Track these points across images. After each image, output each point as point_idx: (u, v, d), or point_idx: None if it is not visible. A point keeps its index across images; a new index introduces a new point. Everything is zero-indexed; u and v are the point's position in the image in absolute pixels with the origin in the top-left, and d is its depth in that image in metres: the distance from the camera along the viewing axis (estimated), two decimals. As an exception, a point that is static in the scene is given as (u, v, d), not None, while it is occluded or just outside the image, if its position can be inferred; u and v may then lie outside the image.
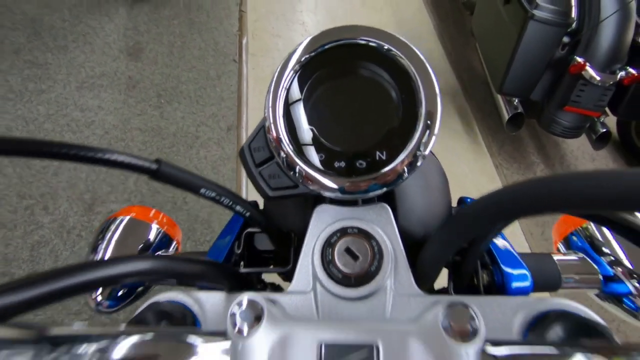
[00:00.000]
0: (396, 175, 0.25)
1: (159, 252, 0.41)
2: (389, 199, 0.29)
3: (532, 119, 1.92)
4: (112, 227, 0.40)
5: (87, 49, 1.73)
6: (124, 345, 0.17)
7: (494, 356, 0.17)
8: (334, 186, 0.26)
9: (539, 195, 0.16)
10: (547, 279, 0.31)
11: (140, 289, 0.39)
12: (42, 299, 0.17)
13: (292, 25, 2.24)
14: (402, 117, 0.26)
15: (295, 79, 0.28)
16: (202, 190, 0.24)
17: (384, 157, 0.25)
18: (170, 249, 0.42)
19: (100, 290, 0.36)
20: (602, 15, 1.57)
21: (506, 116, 1.86)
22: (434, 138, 0.25)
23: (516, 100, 1.87)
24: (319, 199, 0.29)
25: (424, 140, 0.25)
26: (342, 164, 0.26)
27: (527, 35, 1.59)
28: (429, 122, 0.25)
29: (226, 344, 0.18)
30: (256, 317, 0.18)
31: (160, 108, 1.64)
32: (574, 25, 1.61)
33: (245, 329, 0.18)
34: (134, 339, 0.18)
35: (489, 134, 2.14)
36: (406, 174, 0.25)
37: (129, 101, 1.62)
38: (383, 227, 0.26)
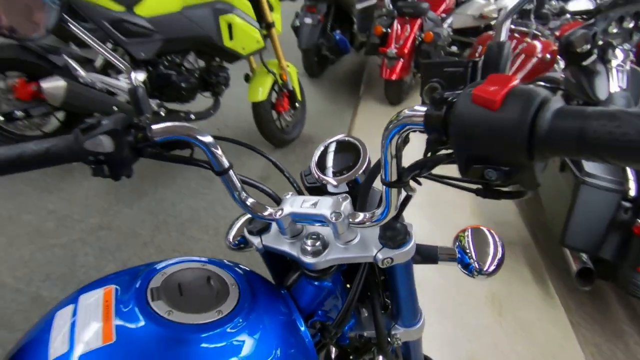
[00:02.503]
0: (352, 178, 0.60)
1: None
2: (353, 196, 0.60)
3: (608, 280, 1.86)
4: None
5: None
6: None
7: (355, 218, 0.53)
8: (332, 181, 0.60)
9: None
10: (430, 255, 0.63)
11: (243, 245, 0.69)
12: None
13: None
14: (355, 160, 0.61)
15: (324, 150, 0.65)
16: (286, 173, 0.70)
17: (348, 173, 0.60)
18: None
19: (233, 235, 0.72)
20: (662, 186, 1.68)
21: (574, 269, 1.87)
22: (363, 168, 0.60)
23: (585, 257, 1.90)
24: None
25: (361, 169, 0.59)
26: (334, 173, 0.61)
27: (581, 199, 1.75)
28: (365, 163, 0.60)
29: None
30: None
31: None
32: (633, 192, 1.71)
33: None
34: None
35: (564, 289, 2.10)
36: (353, 177, 0.60)
37: (253, 207, 2.30)
38: (344, 200, 0.55)
